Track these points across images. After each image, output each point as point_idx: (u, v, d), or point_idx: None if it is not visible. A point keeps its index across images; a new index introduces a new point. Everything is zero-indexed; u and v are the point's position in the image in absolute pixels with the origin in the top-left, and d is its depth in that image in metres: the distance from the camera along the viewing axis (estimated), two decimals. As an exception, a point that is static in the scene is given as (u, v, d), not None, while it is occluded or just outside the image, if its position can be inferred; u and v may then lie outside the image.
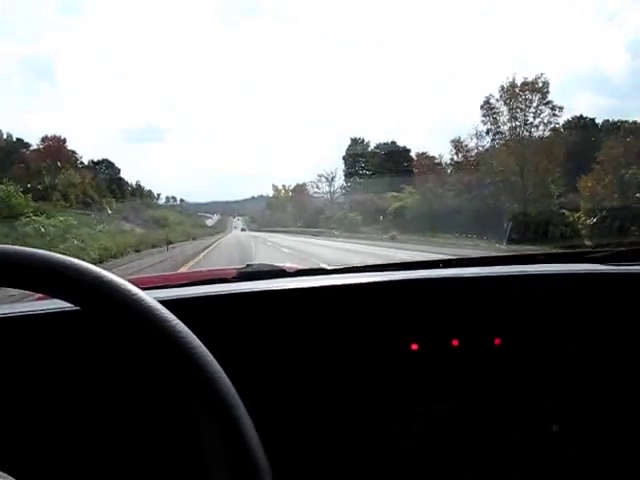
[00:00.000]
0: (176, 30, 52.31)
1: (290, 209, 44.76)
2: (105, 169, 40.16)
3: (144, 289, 0.50)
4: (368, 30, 51.86)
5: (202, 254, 18.46)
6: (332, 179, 37.92)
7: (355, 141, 36.09)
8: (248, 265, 1.13)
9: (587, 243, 15.16)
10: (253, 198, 51.81)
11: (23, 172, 25.97)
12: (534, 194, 21.84)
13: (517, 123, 23.76)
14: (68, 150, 29.85)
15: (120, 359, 0.74)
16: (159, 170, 50.90)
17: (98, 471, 0.76)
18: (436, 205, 24.43)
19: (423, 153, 29.30)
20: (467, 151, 25.93)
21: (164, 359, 0.47)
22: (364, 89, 54.47)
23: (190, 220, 40.40)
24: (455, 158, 26.70)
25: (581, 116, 28.25)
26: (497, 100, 24.17)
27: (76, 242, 15.56)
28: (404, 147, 32.49)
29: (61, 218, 17.91)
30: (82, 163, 39.43)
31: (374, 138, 35.79)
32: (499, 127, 24.35)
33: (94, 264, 0.50)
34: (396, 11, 56.44)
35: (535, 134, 23.79)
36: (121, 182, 40.48)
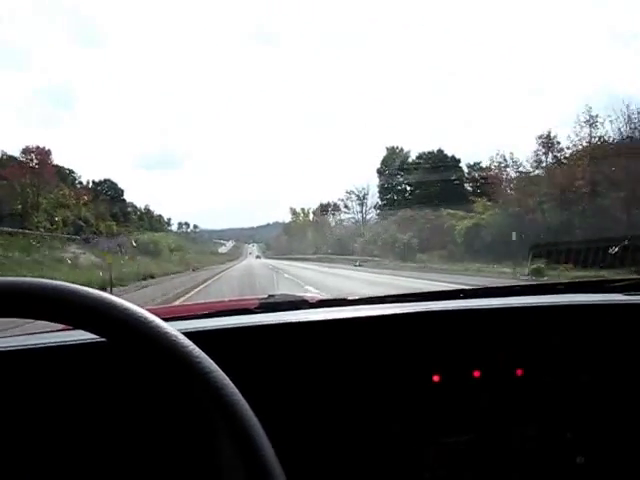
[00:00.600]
0: (193, 58, 52.77)
1: (311, 234, 40.14)
2: (107, 190, 36.43)
3: (167, 319, 0.52)
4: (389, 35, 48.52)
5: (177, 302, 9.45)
6: (364, 196, 32.73)
7: (392, 151, 30.79)
8: (270, 295, 1.14)
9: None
10: (268, 225, 51.78)
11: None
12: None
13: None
14: (53, 164, 25.24)
15: (144, 389, 0.75)
16: (175, 197, 50.83)
17: None
18: (528, 221, 17.89)
19: (477, 163, 24.31)
20: (559, 150, 20.09)
21: (190, 393, 0.48)
22: (397, 94, 50.39)
23: (198, 247, 37.20)
24: (543, 159, 20.61)
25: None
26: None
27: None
28: (452, 156, 27.57)
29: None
30: (80, 183, 35.83)
31: (414, 147, 31.29)
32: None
33: None
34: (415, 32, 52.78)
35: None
36: (124, 204, 36.78)
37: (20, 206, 21.87)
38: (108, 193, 36.04)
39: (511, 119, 40.14)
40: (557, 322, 0.97)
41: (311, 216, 41.22)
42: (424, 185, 26.72)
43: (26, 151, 23.83)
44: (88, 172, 33.90)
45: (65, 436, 0.76)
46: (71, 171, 34.76)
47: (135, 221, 35.93)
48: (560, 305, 1.01)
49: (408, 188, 29.66)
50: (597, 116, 18.72)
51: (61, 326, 0.70)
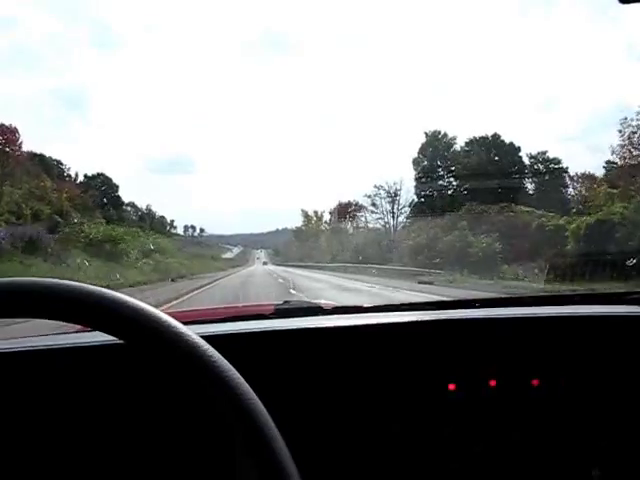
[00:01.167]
0: (204, 64, 48.84)
1: (324, 239, 35.52)
2: (101, 185, 32.25)
3: (183, 323, 0.53)
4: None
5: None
6: (396, 193, 26.88)
7: (434, 137, 25.43)
8: (285, 302, 1.13)
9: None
10: (277, 231, 50.02)
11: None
12: None
13: None
14: (21, 147, 20.98)
15: (160, 389, 0.76)
16: (184, 201, 49.63)
17: None
18: None
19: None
20: None
21: (205, 393, 0.49)
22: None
23: (199, 251, 33.23)
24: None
25: None
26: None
27: None
28: (511, 143, 22.59)
29: None
30: (69, 176, 31.69)
31: (459, 133, 25.64)
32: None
33: None
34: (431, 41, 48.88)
35: None
36: (119, 201, 32.63)
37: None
38: (102, 189, 32.12)
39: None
40: (573, 333, 0.96)
41: (327, 216, 36.42)
42: (475, 178, 21.36)
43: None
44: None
45: (81, 436, 0.76)
46: (59, 162, 30.88)
47: (135, 221, 32.78)
48: (576, 316, 1.02)
49: (454, 182, 24.40)
50: None
51: (78, 327, 0.67)
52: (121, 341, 0.49)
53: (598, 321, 0.99)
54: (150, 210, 35.32)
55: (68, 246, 16.52)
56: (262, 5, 54.19)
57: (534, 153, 22.18)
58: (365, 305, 1.07)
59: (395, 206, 27.00)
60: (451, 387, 0.89)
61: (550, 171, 18.62)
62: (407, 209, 26.21)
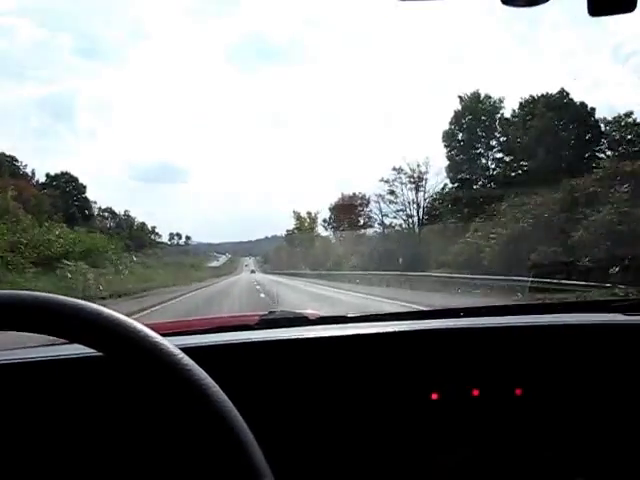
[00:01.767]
0: (190, 73, 50.73)
1: (319, 243, 30.76)
2: (65, 184, 27.32)
3: (167, 335, 0.54)
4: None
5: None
6: (422, 177, 20.90)
7: (473, 100, 19.53)
8: (270, 312, 1.13)
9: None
10: (267, 238, 48.23)
11: None
12: None
13: None
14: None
15: (139, 400, 0.76)
16: (171, 209, 47.55)
17: None
18: None
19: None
20: None
21: (187, 408, 0.49)
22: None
23: (177, 259, 30.66)
24: None
25: None
26: None
27: None
28: (582, 104, 17.41)
29: None
30: (25, 174, 26.75)
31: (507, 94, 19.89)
32: None
33: None
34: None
35: None
36: (87, 204, 27.88)
37: None
38: (66, 190, 27.28)
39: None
40: (557, 342, 0.97)
41: (325, 215, 31.51)
42: (534, 152, 16.67)
43: None
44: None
45: (62, 448, 0.76)
46: (13, 159, 26.05)
47: (112, 227, 28.71)
48: (560, 325, 1.02)
49: (505, 158, 19.09)
50: None
51: (58, 339, 0.67)
52: (98, 353, 0.49)
53: (582, 329, 1.01)
54: (129, 216, 30.93)
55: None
56: (250, 9, 52.94)
57: (614, 116, 17.39)
58: (350, 315, 1.08)
59: (420, 194, 21.43)
60: (434, 396, 0.90)
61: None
62: (437, 194, 20.74)
